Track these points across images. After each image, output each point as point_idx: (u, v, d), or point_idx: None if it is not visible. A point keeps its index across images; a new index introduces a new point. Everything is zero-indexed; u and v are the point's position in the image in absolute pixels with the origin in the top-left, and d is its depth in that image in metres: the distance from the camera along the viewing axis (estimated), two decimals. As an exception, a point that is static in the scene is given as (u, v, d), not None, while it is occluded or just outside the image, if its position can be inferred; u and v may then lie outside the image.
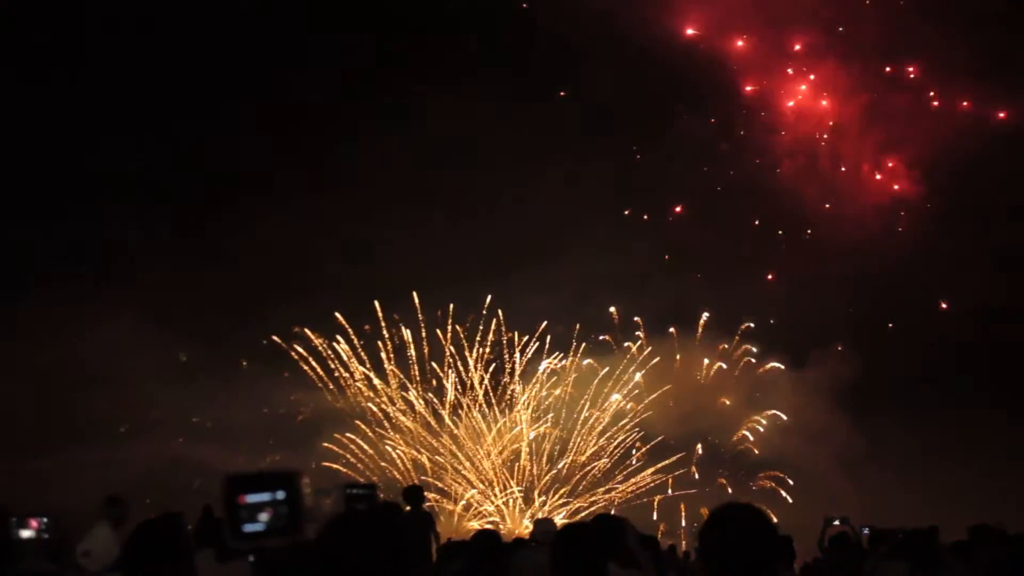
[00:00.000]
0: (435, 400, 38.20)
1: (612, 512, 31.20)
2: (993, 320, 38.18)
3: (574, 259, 37.86)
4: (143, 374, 33.77)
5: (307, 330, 37.63)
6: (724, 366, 39.68)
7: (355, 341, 37.66)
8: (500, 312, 38.06)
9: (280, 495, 3.15)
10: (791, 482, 38.64)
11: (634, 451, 38.45)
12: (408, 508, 13.31)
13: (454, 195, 40.46)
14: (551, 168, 38.84)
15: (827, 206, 40.84)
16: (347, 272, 38.64)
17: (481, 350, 38.21)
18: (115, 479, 24.99)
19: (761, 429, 39.46)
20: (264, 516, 3.15)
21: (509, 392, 38.59)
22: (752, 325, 39.68)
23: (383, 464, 37.38)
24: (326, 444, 36.92)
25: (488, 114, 37.87)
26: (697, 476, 39.01)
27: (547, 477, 38.10)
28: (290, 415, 37.61)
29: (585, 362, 38.87)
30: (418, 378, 38.31)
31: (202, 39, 36.91)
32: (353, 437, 37.33)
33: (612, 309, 39.45)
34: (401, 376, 38.16)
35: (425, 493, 14.54)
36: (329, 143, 38.63)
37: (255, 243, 37.34)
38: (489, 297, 37.68)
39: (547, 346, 38.51)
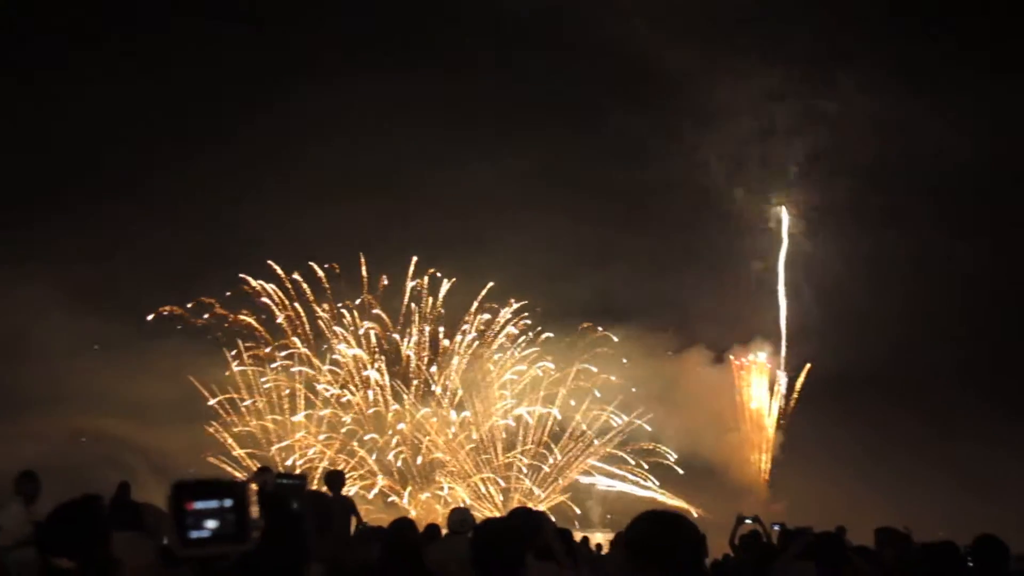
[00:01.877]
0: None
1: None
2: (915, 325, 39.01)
3: (503, 250, 38.34)
4: (54, 348, 33.43)
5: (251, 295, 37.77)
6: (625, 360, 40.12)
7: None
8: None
9: (228, 503, 3.19)
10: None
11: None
12: (331, 493, 13.27)
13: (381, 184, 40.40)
14: (481, 161, 39.27)
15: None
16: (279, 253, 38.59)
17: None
18: (26, 454, 24.75)
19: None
20: (211, 523, 3.18)
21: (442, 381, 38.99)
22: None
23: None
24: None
25: (419, 107, 38.34)
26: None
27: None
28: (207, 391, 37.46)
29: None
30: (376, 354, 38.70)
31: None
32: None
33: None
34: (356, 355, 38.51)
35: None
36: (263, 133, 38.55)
37: (171, 216, 37.21)
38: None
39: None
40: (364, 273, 38.78)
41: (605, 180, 40.63)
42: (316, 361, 38.35)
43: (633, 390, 39.11)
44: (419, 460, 38.28)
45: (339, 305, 38.83)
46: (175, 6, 39.13)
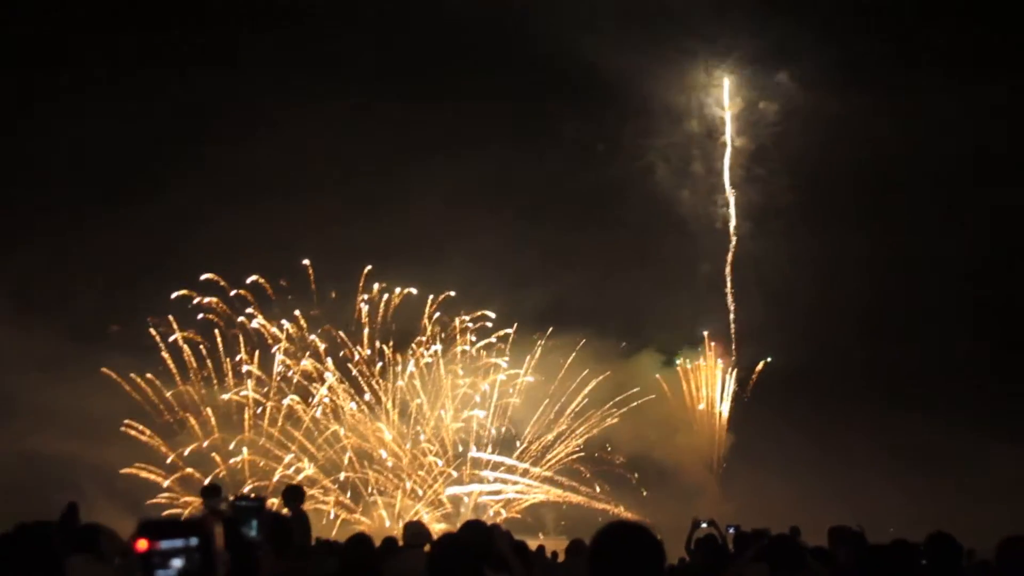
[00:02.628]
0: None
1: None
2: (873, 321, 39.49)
3: (453, 259, 38.45)
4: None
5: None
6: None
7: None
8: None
9: (193, 541, 3.19)
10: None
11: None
12: (287, 510, 13.17)
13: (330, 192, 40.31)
14: (428, 169, 39.38)
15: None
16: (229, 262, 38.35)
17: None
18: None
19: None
20: (177, 562, 3.18)
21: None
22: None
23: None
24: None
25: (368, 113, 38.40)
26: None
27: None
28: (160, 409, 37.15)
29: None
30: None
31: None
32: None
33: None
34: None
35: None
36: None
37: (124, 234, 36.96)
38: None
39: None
40: (313, 286, 38.64)
41: (554, 185, 40.75)
42: (263, 376, 38.19)
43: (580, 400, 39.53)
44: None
45: (284, 323, 38.70)
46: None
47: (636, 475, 39.44)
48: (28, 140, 36.61)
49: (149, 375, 36.89)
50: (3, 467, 30.86)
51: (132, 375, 36.51)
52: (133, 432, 36.28)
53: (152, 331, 37.29)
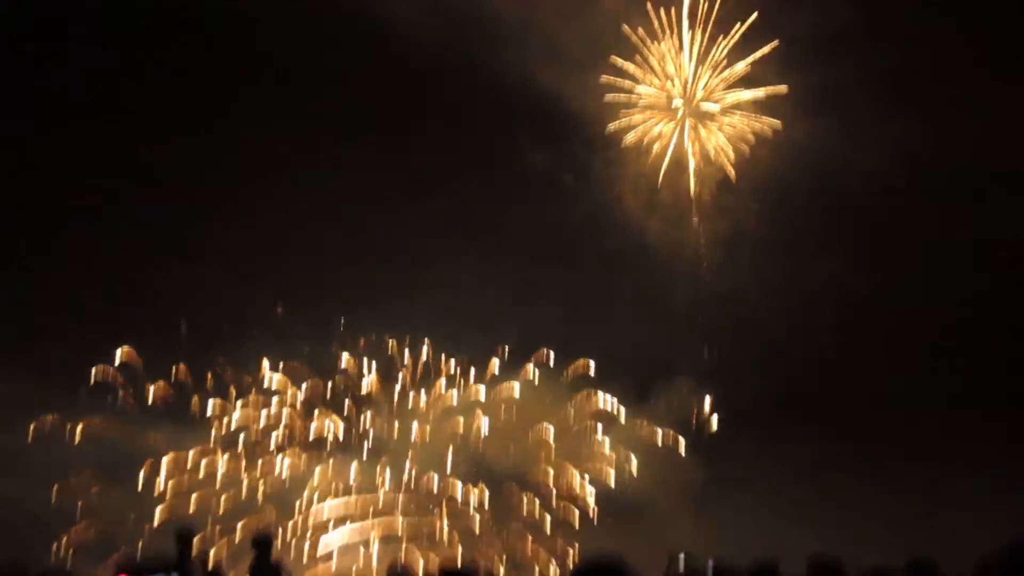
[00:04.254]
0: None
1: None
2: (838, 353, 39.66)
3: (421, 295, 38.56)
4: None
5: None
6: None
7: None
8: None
9: None
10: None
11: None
12: (255, 558, 13.07)
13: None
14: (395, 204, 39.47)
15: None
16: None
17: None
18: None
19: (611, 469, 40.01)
20: None
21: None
22: (592, 363, 40.52)
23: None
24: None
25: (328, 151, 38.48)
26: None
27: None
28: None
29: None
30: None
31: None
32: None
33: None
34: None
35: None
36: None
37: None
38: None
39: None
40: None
41: (523, 222, 40.75)
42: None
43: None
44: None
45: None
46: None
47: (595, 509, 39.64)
48: None
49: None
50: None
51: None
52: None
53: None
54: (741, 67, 41.83)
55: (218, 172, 39.67)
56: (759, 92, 41.61)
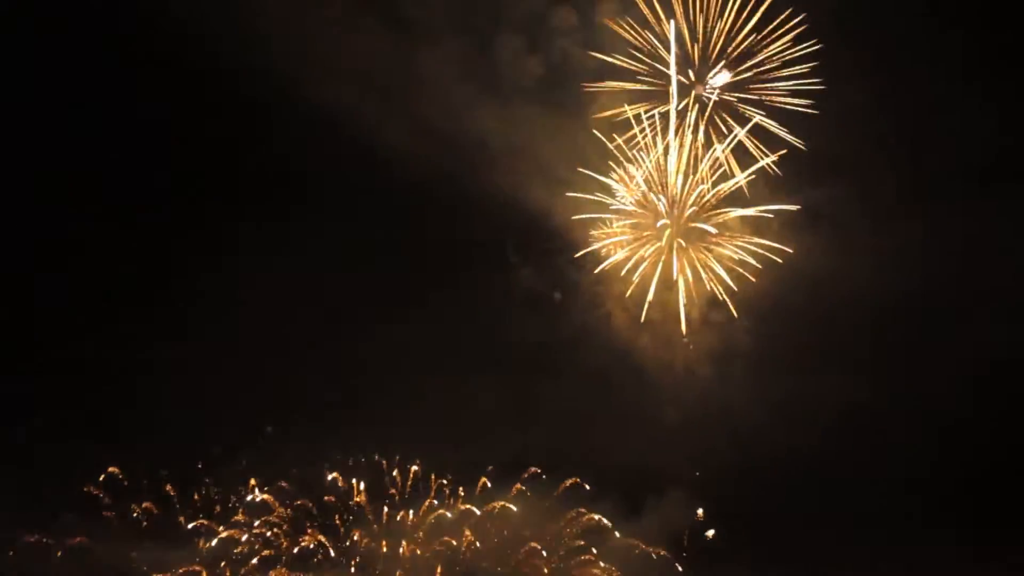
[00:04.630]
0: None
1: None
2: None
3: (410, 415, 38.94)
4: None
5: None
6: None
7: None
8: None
9: None
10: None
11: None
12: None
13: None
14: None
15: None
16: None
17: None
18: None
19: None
20: None
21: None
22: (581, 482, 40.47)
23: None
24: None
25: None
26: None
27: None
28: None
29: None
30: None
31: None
32: None
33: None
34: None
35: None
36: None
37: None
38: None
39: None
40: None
41: (508, 335, 40.88)
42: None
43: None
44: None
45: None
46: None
47: None
48: None
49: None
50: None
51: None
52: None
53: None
54: (735, 182, 40.81)
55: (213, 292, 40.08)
56: (763, 210, 40.43)
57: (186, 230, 40.65)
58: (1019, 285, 39.17)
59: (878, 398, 39.66)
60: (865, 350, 41.02)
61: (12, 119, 37.89)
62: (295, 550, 38.90)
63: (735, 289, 40.32)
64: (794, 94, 39.53)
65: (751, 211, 40.29)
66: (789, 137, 39.29)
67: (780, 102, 39.64)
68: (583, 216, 40.31)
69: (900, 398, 39.72)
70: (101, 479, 38.02)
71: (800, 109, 39.39)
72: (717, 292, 40.33)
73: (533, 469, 40.26)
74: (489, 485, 40.45)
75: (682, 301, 40.55)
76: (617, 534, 40.08)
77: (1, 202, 37.99)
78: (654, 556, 39.64)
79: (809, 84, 39.31)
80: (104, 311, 39.28)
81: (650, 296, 40.58)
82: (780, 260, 39.70)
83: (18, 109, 38.28)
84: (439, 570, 39.17)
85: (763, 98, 39.89)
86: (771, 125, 39.55)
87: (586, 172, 40.09)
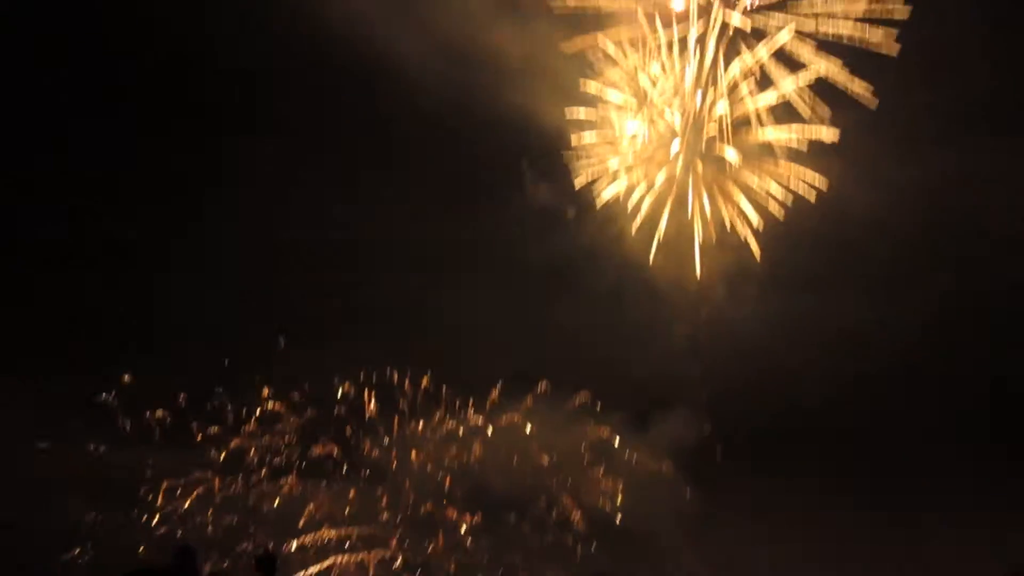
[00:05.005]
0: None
1: None
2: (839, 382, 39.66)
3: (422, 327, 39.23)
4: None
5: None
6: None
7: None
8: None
9: None
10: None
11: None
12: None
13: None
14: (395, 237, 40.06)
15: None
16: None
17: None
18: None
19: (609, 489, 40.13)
20: None
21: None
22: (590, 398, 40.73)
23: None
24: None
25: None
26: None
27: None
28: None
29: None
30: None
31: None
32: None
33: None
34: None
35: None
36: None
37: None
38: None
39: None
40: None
41: (523, 254, 40.83)
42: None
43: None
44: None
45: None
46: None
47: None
48: None
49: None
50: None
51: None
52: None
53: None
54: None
55: (218, 206, 39.91)
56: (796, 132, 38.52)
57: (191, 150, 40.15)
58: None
59: (887, 322, 39.88)
60: (879, 276, 41.05)
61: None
62: (305, 461, 39.16)
63: (757, 227, 39.70)
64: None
65: (786, 135, 38.59)
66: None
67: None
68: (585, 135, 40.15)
69: (908, 323, 39.79)
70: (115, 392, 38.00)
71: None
72: (738, 229, 39.79)
73: (544, 384, 40.35)
74: (497, 400, 40.63)
75: (697, 241, 40.17)
76: (624, 450, 40.50)
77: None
78: (661, 470, 39.99)
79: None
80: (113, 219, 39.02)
81: (660, 233, 40.13)
82: (813, 192, 38.92)
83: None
84: (448, 481, 39.59)
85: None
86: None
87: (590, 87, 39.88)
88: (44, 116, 38.07)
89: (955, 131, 37.71)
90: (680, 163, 39.82)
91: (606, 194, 40.54)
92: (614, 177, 40.48)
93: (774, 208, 39.37)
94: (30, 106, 37.76)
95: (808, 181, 38.72)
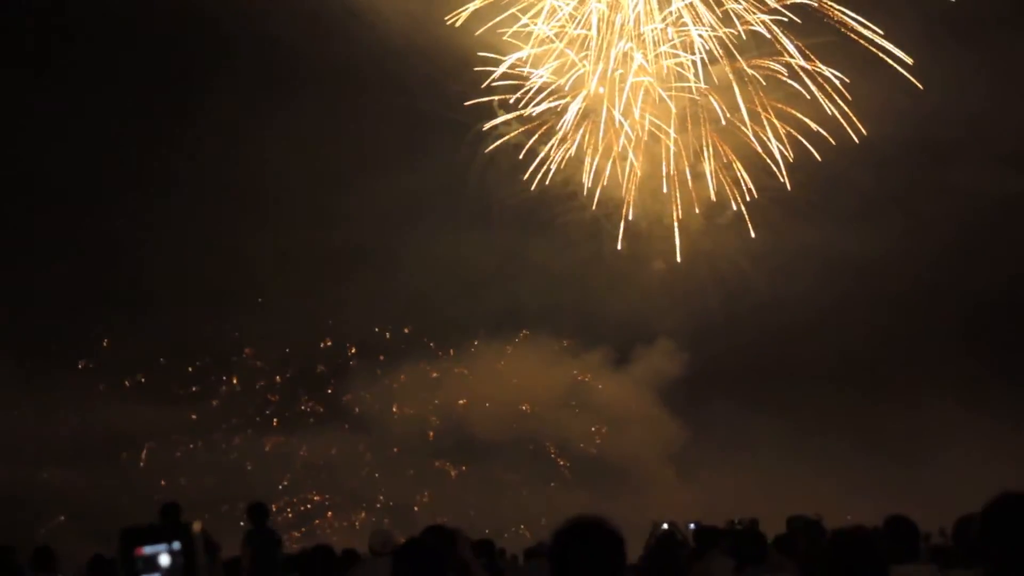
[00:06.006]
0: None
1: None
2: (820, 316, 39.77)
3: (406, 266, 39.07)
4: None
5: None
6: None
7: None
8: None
9: (176, 546, 3.29)
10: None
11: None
12: (251, 527, 13.18)
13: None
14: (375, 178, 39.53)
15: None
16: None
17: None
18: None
19: (594, 429, 40.38)
20: (161, 565, 3.29)
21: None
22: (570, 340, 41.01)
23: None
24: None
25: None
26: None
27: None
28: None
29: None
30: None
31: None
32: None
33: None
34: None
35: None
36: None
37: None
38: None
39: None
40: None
41: (497, 193, 40.60)
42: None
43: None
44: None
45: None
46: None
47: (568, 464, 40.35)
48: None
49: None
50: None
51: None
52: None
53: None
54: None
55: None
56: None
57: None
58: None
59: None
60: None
61: None
62: (287, 416, 39.41)
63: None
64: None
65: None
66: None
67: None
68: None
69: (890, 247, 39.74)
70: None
71: None
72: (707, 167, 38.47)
73: (524, 332, 40.61)
74: (478, 343, 40.80)
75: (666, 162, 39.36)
76: (605, 386, 40.78)
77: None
78: (641, 406, 40.26)
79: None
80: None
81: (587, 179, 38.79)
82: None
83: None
84: (431, 434, 39.86)
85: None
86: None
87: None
88: None
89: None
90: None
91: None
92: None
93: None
94: None
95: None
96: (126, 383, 38.45)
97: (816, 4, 33.98)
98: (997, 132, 39.01)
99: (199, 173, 39.60)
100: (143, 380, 38.40)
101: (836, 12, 34.04)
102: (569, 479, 40.02)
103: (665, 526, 12.57)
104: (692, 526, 12.13)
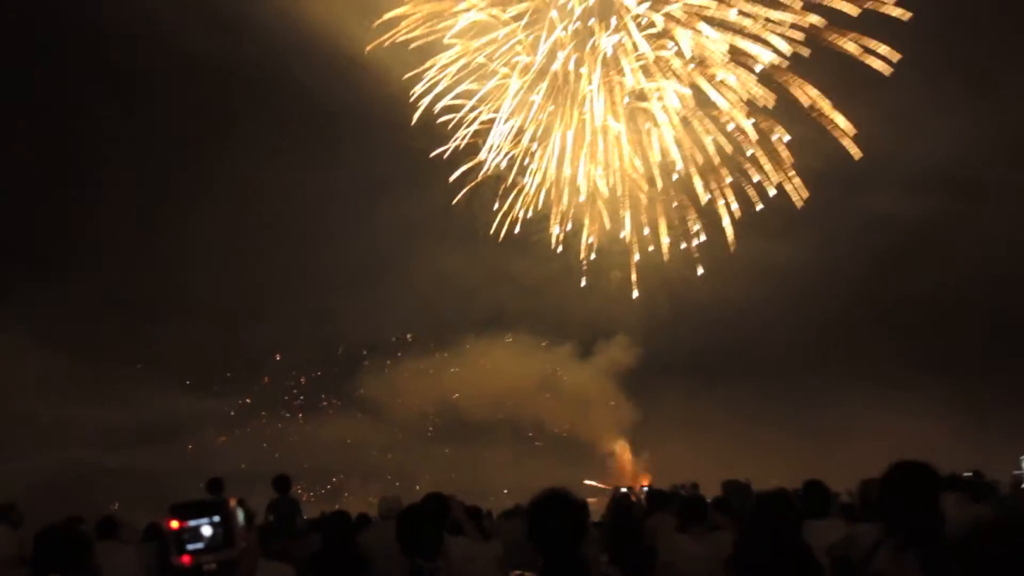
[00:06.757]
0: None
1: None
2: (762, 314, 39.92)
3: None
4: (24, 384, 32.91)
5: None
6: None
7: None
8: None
9: (216, 519, 3.34)
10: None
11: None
12: (277, 495, 13.15)
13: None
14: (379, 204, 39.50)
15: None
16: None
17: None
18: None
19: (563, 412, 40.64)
20: (205, 535, 3.35)
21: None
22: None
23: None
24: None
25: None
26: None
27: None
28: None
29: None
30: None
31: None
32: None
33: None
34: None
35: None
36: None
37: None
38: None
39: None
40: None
41: (482, 218, 40.42)
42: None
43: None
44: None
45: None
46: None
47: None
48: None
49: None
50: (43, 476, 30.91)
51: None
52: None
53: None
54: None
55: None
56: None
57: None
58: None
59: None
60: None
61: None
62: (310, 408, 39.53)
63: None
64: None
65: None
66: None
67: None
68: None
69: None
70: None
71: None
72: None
73: (508, 339, 40.91)
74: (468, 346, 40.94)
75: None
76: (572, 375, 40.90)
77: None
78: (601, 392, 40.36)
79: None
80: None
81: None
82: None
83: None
84: (433, 420, 40.11)
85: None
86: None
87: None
88: None
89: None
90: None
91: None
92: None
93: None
94: None
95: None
96: (187, 381, 38.41)
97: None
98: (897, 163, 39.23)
99: (237, 207, 39.34)
100: (188, 383, 38.42)
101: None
102: (543, 453, 40.11)
103: (624, 490, 12.62)
104: (644, 489, 12.18)
